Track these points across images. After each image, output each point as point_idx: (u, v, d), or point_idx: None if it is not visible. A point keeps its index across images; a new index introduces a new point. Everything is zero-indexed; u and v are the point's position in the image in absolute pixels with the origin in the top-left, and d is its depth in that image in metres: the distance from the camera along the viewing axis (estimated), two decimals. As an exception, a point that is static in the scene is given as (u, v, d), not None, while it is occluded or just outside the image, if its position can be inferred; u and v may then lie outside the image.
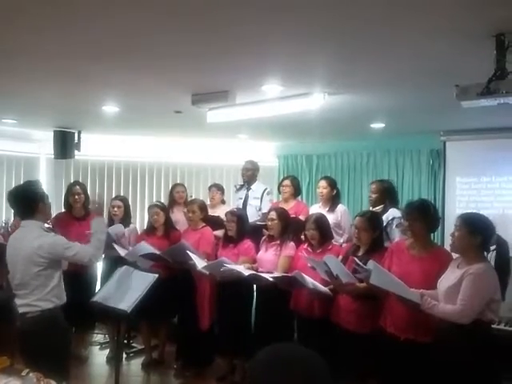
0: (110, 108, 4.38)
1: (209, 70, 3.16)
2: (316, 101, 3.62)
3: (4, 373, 1.64)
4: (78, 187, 4.47)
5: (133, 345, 4.88)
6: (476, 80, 2.50)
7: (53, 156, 5.81)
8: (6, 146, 5.91)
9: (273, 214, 3.83)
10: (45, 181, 6.31)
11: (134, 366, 4.51)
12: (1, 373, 1.64)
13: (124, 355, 4.51)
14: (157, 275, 3.11)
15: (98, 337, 4.83)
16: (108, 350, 4.66)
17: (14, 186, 6.03)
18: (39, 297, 2.64)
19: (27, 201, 2.73)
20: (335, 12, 2.11)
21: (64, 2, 2.07)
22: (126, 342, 4.76)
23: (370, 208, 4.20)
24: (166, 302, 4.08)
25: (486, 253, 2.56)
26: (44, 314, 2.64)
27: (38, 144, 6.23)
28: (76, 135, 5.69)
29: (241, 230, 3.97)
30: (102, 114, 4.62)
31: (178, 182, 6.20)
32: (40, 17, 2.23)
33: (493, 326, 2.67)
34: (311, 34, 2.39)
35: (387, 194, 4.24)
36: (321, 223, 3.49)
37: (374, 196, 4.28)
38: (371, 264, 2.77)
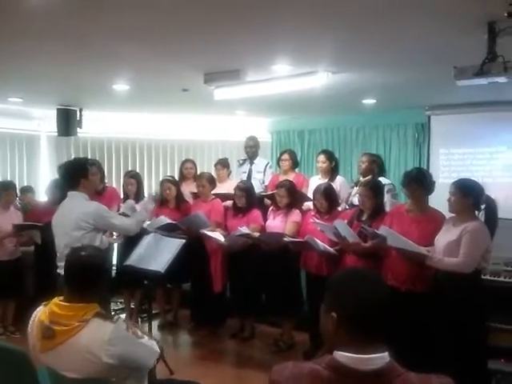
0: (121, 86, 4.56)
1: (221, 51, 3.38)
2: (320, 79, 3.92)
3: (97, 317, 1.86)
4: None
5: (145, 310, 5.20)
6: (469, 62, 2.86)
7: (53, 133, 5.98)
8: (8, 124, 6.02)
9: (282, 192, 4.09)
10: (46, 158, 6.46)
11: (149, 329, 4.83)
12: (96, 317, 1.86)
13: (139, 319, 4.84)
14: (184, 240, 3.41)
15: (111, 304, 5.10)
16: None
17: (16, 162, 6.30)
18: None
19: (70, 175, 3.01)
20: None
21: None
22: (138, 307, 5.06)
23: (361, 178, 4.61)
24: (181, 267, 4.38)
25: (477, 212, 2.98)
26: None
27: (38, 122, 6.35)
28: (78, 113, 5.83)
29: (249, 201, 4.30)
30: (110, 92, 4.78)
31: (184, 157, 6.41)
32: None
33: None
34: (319, 16, 2.63)
35: (376, 165, 4.69)
36: (329, 194, 3.87)
37: (363, 166, 4.71)
38: (384, 230, 3.16)
